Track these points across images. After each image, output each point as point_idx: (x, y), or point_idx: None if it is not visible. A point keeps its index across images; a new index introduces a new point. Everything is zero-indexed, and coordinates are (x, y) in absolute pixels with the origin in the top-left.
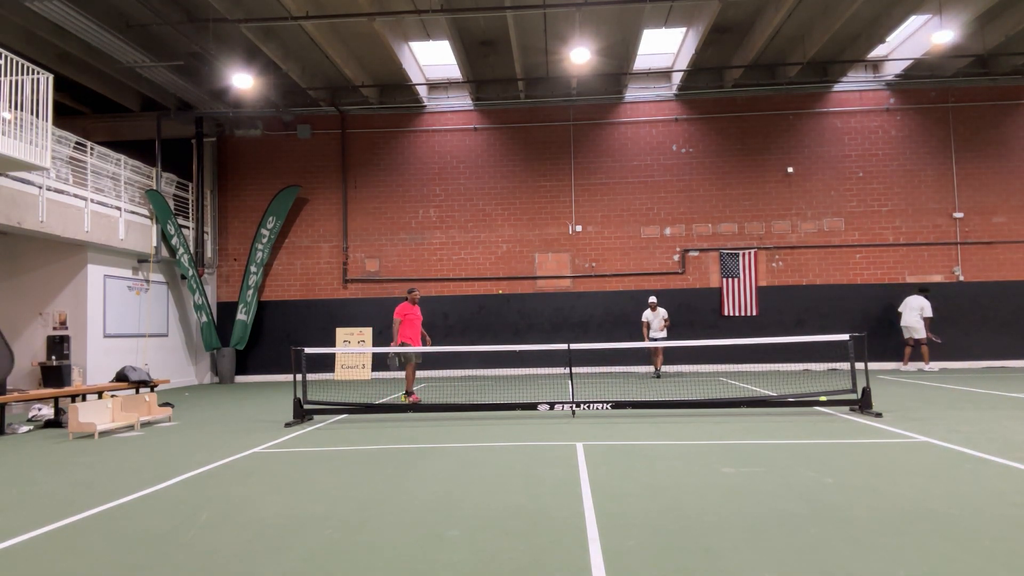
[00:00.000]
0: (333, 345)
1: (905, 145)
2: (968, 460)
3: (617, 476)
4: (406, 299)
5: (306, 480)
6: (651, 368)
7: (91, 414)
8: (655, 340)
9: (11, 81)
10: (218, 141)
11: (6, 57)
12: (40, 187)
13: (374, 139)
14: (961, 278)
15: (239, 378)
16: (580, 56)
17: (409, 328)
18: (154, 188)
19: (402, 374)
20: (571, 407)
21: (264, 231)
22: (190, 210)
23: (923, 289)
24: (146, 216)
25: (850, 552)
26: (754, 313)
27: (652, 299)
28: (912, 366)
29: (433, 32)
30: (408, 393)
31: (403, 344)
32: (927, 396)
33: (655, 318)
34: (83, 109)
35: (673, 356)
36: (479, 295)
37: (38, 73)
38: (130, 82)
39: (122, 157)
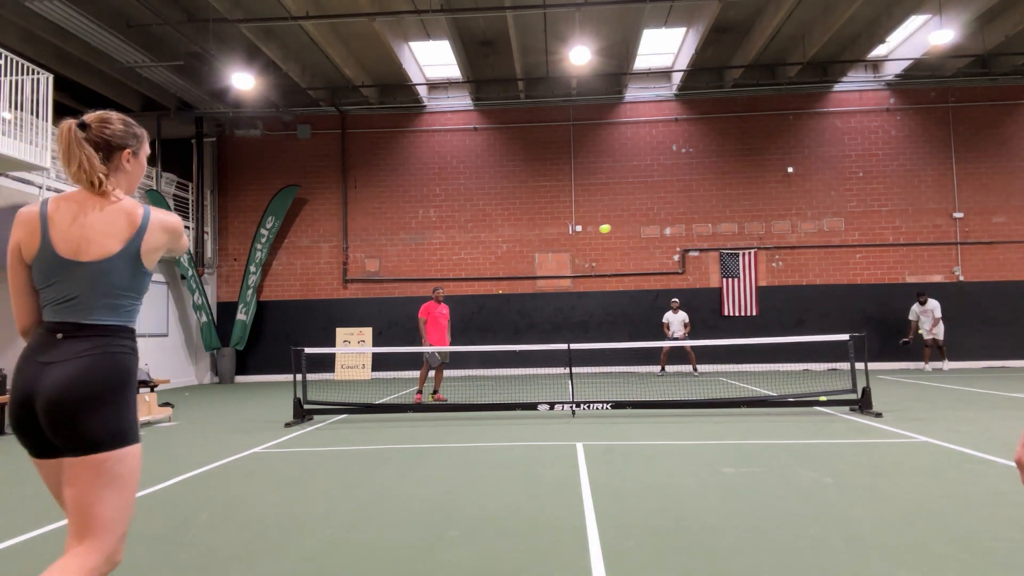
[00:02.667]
0: (333, 345)
1: (905, 145)
2: (968, 460)
3: (617, 476)
4: (431, 298)
5: (306, 480)
6: (658, 368)
7: None
8: (675, 341)
9: (11, 81)
10: (218, 141)
11: (6, 57)
12: (40, 187)
13: (374, 139)
14: (961, 278)
15: (239, 378)
16: (580, 56)
17: (434, 328)
18: (154, 188)
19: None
20: (571, 407)
21: (264, 231)
22: (190, 210)
23: (920, 293)
24: None
25: (850, 552)
26: (754, 313)
27: (674, 300)
28: (930, 366)
29: (433, 32)
30: (433, 392)
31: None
32: (927, 396)
33: (675, 320)
34: (83, 109)
35: (675, 356)
36: (479, 295)
37: (38, 73)
38: (130, 82)
39: None
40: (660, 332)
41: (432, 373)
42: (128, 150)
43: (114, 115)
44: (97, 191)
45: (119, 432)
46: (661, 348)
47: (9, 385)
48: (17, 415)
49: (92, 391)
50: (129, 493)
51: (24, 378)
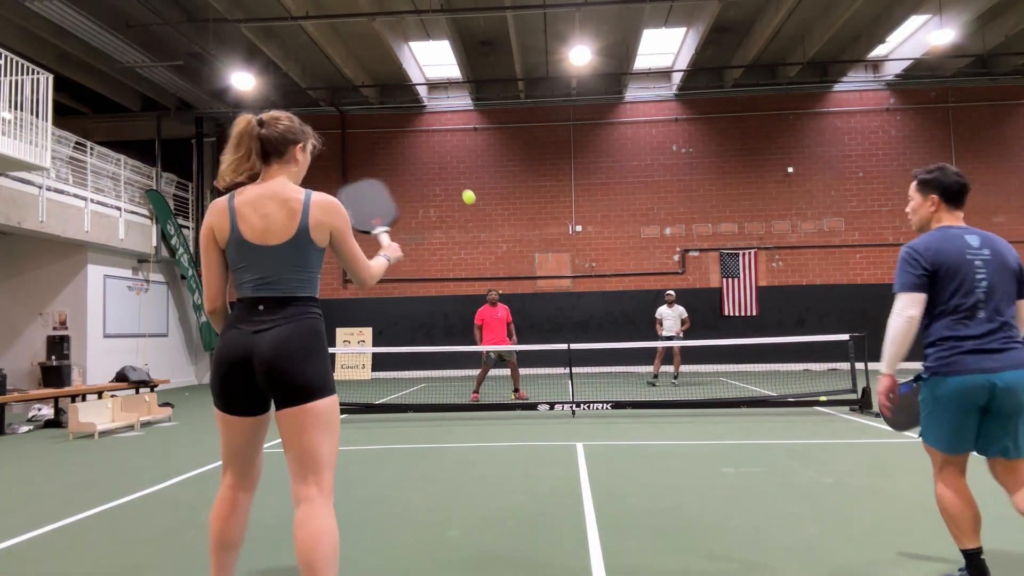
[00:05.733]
0: (333, 345)
1: (905, 145)
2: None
3: (617, 476)
4: (486, 301)
5: None
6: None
7: (91, 414)
8: (668, 340)
9: (11, 81)
10: (218, 141)
11: (6, 57)
12: (40, 187)
13: (374, 139)
14: None
15: None
16: (580, 56)
17: (489, 332)
18: (154, 188)
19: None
20: (571, 407)
21: None
22: (190, 210)
23: None
24: (146, 216)
25: (850, 552)
26: (754, 313)
27: (670, 293)
28: None
29: (433, 32)
30: (514, 389)
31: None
32: None
33: (671, 315)
34: (83, 109)
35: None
36: (479, 295)
37: (38, 73)
38: (130, 82)
39: (122, 157)
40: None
41: (510, 372)
42: (300, 144)
43: (283, 114)
44: (249, 180)
45: (327, 382)
46: (656, 349)
47: (217, 353)
48: (229, 377)
49: (302, 348)
50: (337, 436)
51: (237, 344)
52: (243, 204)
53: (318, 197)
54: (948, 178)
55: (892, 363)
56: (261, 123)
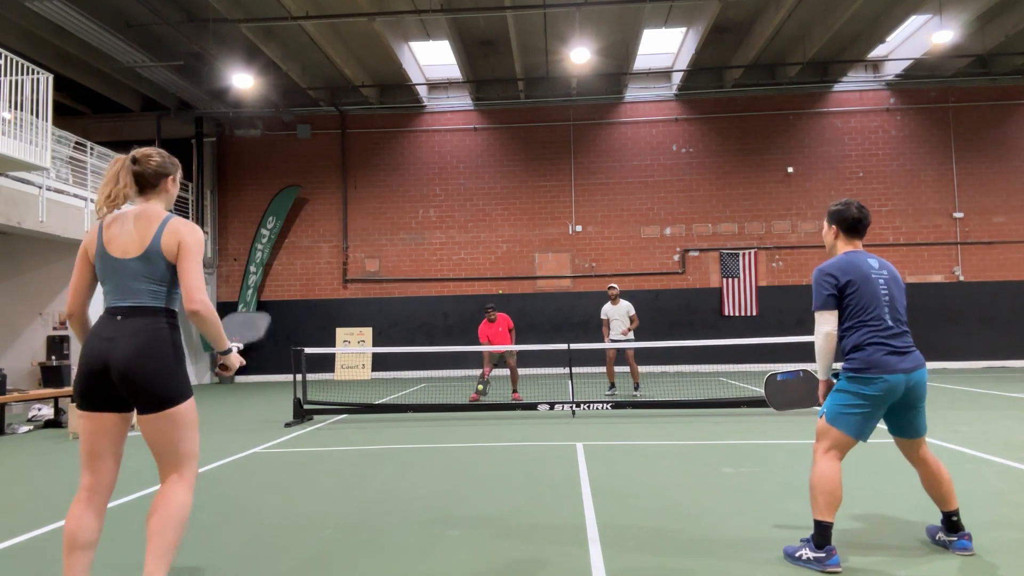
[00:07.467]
0: (333, 345)
1: (905, 145)
2: (968, 460)
3: (617, 476)
4: (484, 317)
5: (306, 480)
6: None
7: None
8: (616, 343)
9: (11, 81)
10: (218, 141)
11: (6, 57)
12: (40, 187)
13: (374, 139)
14: (961, 278)
15: (239, 378)
16: (580, 56)
17: (493, 344)
18: None
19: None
20: (571, 407)
21: (264, 231)
22: (190, 210)
23: None
24: None
25: (850, 552)
26: (754, 313)
27: (613, 288)
28: None
29: (433, 32)
30: (512, 391)
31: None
32: (927, 396)
33: (616, 314)
34: (83, 109)
35: (673, 356)
36: (479, 295)
37: (38, 73)
38: (130, 82)
39: None
40: (659, 332)
41: (509, 374)
42: (171, 176)
43: (154, 150)
44: (117, 207)
45: (182, 389)
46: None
47: (78, 359)
48: (90, 381)
49: (154, 360)
50: (196, 431)
51: (96, 352)
52: (111, 223)
53: (177, 218)
54: (848, 212)
55: (825, 371)
56: (135, 160)
